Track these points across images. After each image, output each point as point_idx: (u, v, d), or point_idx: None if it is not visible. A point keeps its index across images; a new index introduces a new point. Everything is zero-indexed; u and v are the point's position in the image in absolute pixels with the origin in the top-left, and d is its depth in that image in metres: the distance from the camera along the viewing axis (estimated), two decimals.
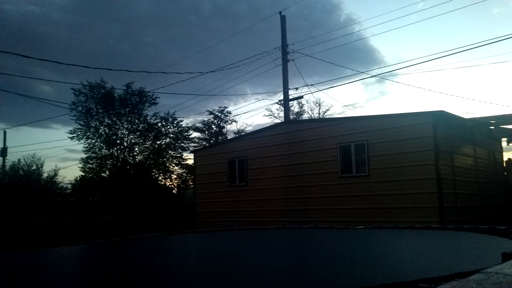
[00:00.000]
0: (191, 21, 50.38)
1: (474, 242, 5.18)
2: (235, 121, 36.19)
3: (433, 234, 6.29)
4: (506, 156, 15.49)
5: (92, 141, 29.85)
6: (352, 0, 58.88)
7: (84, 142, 29.74)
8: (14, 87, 32.36)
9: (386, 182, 11.59)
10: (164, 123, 31.58)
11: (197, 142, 35.06)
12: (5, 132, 33.06)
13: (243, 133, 29.39)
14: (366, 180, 12.02)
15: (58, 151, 70.72)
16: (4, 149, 32.34)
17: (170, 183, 34.47)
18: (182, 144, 33.32)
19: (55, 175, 32.83)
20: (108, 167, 30.50)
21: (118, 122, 29.86)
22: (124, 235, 8.67)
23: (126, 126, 30.14)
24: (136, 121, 30.46)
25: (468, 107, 73.41)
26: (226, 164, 15.83)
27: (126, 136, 30.27)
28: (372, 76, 30.41)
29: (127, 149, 30.23)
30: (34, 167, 32.53)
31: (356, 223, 10.19)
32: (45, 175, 32.92)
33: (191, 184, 27.00)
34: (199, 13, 49.98)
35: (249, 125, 39.38)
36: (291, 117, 29.06)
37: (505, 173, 14.82)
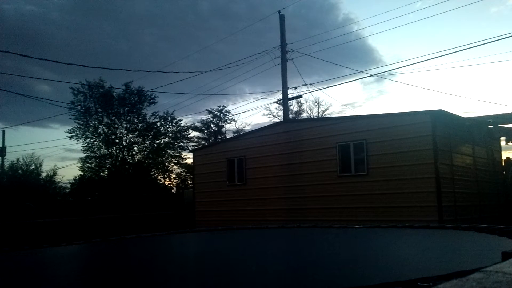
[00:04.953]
0: (189, 20, 50.36)
1: (473, 241, 5.18)
2: (234, 120, 36.23)
3: (432, 233, 6.30)
4: (505, 155, 15.51)
5: (91, 140, 29.82)
6: (350, 0, 58.90)
7: (83, 142, 29.73)
8: (12, 87, 32.24)
9: (385, 181, 11.60)
10: (163, 122, 31.56)
11: (196, 142, 35.07)
12: (3, 132, 33.07)
13: (242, 133, 29.36)
14: (365, 179, 12.02)
15: (57, 151, 70.74)
16: (3, 148, 32.30)
17: (169, 182, 34.48)
18: (181, 144, 33.32)
19: (54, 174, 32.76)
20: (107, 166, 30.45)
21: (117, 122, 29.82)
22: (123, 235, 8.66)
23: (125, 125, 30.11)
24: (135, 120, 30.42)
25: (467, 106, 73.50)
26: (225, 164, 15.82)
27: (125, 135, 30.24)
28: (371, 75, 30.47)
29: (126, 149, 30.19)
30: (33, 167, 32.45)
31: (355, 222, 10.20)
32: (44, 174, 32.85)
33: (190, 184, 26.98)
34: (198, 13, 49.96)
35: (248, 125, 39.32)
36: (290, 116, 29.06)
37: (504, 172, 14.83)
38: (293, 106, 35.12)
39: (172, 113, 31.04)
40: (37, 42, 39.57)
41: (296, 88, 18.99)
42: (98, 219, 18.11)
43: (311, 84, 23.10)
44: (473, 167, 12.80)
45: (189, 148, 32.76)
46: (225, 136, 34.53)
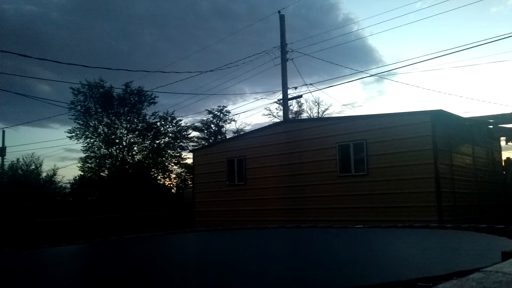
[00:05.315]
0: (189, 20, 50.36)
1: (473, 241, 5.18)
2: (234, 120, 36.22)
3: (432, 233, 6.30)
4: (504, 155, 15.51)
5: (91, 140, 29.80)
6: (350, 0, 58.91)
7: (83, 142, 29.72)
8: (12, 87, 32.26)
9: (385, 181, 11.60)
10: (163, 122, 31.56)
11: (196, 142, 35.05)
12: (3, 132, 33.06)
13: (242, 133, 29.35)
14: (365, 179, 12.02)
15: (57, 151, 70.77)
16: (3, 148, 32.28)
17: (169, 182, 34.46)
18: (181, 144, 33.30)
19: (54, 174, 32.71)
20: (107, 166, 30.44)
21: (117, 122, 29.80)
22: (123, 235, 8.67)
23: (125, 125, 30.09)
24: (135, 120, 30.42)
25: (467, 106, 73.49)
26: (225, 164, 15.82)
27: (125, 135, 30.23)
28: (371, 75, 30.44)
29: (126, 149, 30.18)
30: (33, 167, 32.40)
31: (355, 222, 10.20)
32: (44, 174, 32.79)
33: (190, 184, 26.98)
34: (198, 13, 49.96)
35: (248, 125, 39.31)
36: (290, 116, 29.05)
37: (504, 172, 14.84)
38: (293, 106, 35.14)
39: (172, 113, 31.07)
40: (37, 42, 39.60)
41: (296, 88, 19.00)
42: (98, 219, 18.11)
43: (311, 84, 23.13)
44: (473, 167, 12.80)
45: (189, 148, 32.76)
46: (225, 136, 34.52)
